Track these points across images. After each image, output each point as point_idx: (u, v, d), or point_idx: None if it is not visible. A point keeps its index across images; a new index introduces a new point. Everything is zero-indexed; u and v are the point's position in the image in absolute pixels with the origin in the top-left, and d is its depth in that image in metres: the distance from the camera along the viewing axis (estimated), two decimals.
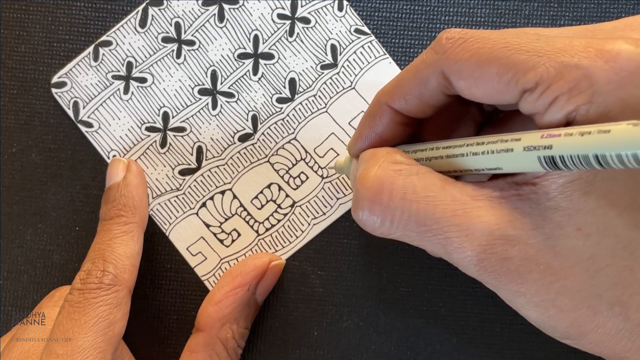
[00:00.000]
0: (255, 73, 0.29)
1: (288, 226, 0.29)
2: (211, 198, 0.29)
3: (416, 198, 0.20)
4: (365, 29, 0.29)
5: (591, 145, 0.16)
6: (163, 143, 0.29)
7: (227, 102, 0.29)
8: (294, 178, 0.29)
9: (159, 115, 0.29)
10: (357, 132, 0.24)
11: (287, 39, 0.29)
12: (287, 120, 0.29)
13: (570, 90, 0.17)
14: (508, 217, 0.19)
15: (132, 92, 0.29)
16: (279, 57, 0.29)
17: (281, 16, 0.29)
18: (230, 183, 0.29)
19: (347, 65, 0.29)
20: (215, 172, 0.29)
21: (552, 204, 0.18)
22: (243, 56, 0.29)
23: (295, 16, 0.29)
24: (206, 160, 0.29)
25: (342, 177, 0.29)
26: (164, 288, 0.29)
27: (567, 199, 0.18)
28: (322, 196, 0.29)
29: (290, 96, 0.29)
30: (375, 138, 0.23)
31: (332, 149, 0.29)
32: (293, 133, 0.29)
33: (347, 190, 0.29)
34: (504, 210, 0.19)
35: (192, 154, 0.29)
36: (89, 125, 0.29)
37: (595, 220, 0.18)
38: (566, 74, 0.17)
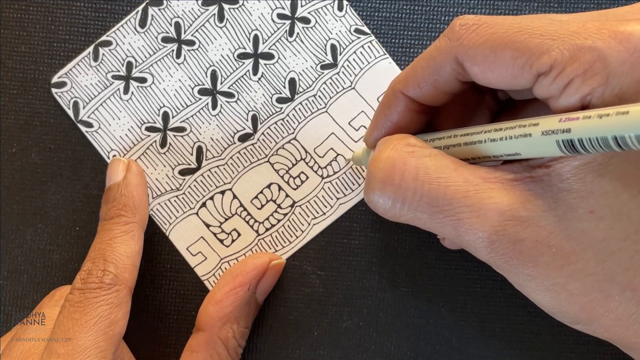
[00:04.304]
0: (255, 73, 0.29)
1: (288, 226, 0.29)
2: (211, 198, 0.29)
3: (428, 179, 0.20)
4: (365, 28, 0.29)
5: (610, 127, 0.16)
6: (163, 143, 0.29)
7: (227, 102, 0.29)
8: (294, 178, 0.29)
9: (159, 115, 0.29)
10: (373, 121, 0.24)
11: (287, 39, 0.29)
12: (287, 120, 0.29)
13: (585, 73, 0.17)
14: (520, 198, 0.19)
15: (132, 92, 0.29)
16: (278, 57, 0.29)
17: (281, 16, 0.29)
18: (230, 183, 0.29)
19: (347, 65, 0.29)
20: (215, 172, 0.29)
21: (565, 186, 0.18)
22: (243, 56, 0.29)
23: (295, 16, 0.29)
24: (206, 160, 0.29)
25: (342, 177, 0.29)
26: (164, 288, 0.29)
27: (580, 181, 0.18)
28: (322, 196, 0.29)
29: (290, 96, 0.29)
30: (391, 127, 0.23)
31: (332, 148, 0.29)
32: (293, 133, 0.29)
33: (347, 190, 0.29)
34: (516, 192, 0.19)
35: (192, 154, 0.29)
36: (89, 125, 0.29)
37: (608, 203, 0.18)
38: (580, 56, 0.17)
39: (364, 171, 0.29)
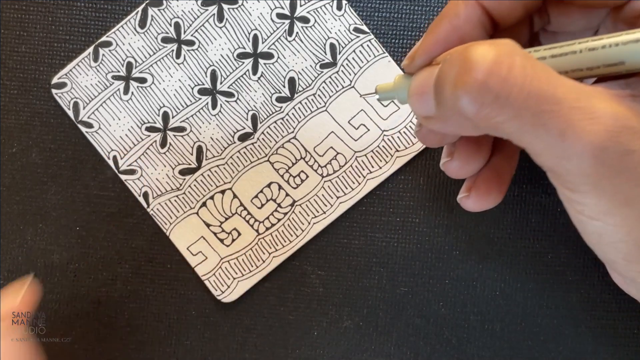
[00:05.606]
0: (254, 72, 0.29)
1: (288, 225, 0.29)
2: (211, 197, 0.29)
3: (537, 76, 0.17)
4: (364, 27, 0.29)
5: None
6: (163, 143, 0.29)
7: (227, 101, 0.29)
8: (294, 177, 0.29)
9: (159, 115, 0.29)
10: (429, 35, 0.20)
11: (286, 39, 0.29)
12: (287, 120, 0.29)
13: None
14: (629, 111, 0.17)
15: (132, 93, 0.29)
16: (278, 57, 0.29)
17: (280, 15, 0.29)
18: (230, 182, 0.29)
19: (347, 64, 0.29)
20: (216, 171, 0.29)
21: None
22: (242, 56, 0.29)
23: (295, 15, 0.29)
24: (206, 159, 0.29)
25: (343, 177, 0.29)
26: (164, 288, 0.29)
27: None
28: (322, 195, 0.29)
29: (289, 95, 0.29)
30: (457, 41, 0.20)
31: (331, 147, 0.29)
32: (293, 132, 0.29)
33: (347, 188, 0.29)
34: (624, 104, 0.17)
35: (192, 154, 0.29)
36: (89, 125, 0.29)
37: None
38: None
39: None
